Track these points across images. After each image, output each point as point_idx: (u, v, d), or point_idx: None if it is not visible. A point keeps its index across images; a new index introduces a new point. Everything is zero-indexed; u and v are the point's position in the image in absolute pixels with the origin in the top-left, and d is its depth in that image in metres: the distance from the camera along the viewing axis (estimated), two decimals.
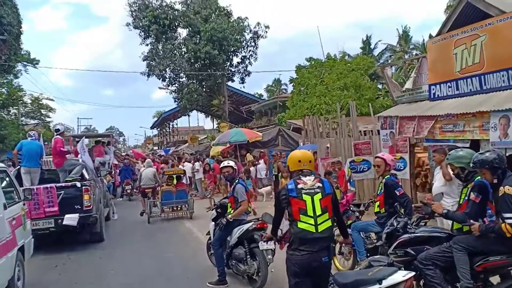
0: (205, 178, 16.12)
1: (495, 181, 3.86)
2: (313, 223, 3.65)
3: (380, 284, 3.44)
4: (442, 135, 8.18)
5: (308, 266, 3.63)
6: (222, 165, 6.64)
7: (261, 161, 16.86)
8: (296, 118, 20.98)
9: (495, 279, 4.01)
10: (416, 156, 10.57)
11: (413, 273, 3.56)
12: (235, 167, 6.56)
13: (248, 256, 6.09)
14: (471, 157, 4.12)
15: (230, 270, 6.37)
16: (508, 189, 3.67)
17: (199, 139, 34.69)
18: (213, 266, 6.65)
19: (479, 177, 4.06)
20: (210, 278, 6.32)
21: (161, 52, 30.62)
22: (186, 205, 12.44)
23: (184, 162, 18.11)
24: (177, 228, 11.18)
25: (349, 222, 6.30)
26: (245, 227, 6.14)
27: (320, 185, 3.79)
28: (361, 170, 11.36)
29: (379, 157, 5.82)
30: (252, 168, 15.84)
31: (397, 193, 5.34)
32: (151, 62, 30.88)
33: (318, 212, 3.68)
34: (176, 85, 32.51)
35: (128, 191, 17.75)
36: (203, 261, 7.30)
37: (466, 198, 4.17)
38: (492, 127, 6.98)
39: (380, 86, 25.81)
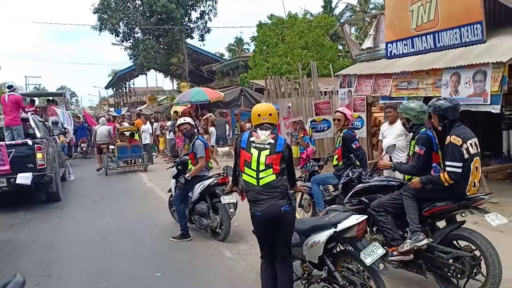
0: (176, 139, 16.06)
1: (440, 128, 4.10)
2: (255, 176, 3.70)
3: (336, 227, 3.64)
4: (397, 92, 8.47)
5: (269, 218, 3.63)
6: (178, 122, 6.64)
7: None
8: (258, 78, 20.94)
9: (441, 224, 4.30)
10: (373, 116, 10.93)
11: (365, 217, 3.76)
12: (193, 123, 6.57)
13: (210, 211, 6.25)
14: (420, 110, 4.30)
15: (193, 225, 6.52)
16: (454, 139, 3.90)
17: (159, 99, 34.03)
18: (176, 222, 6.75)
19: (424, 129, 4.26)
20: (173, 233, 6.45)
21: (113, 4, 29.23)
22: (141, 159, 13.63)
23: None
24: (138, 187, 11.19)
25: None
26: (207, 182, 6.25)
27: (272, 141, 3.76)
28: (321, 129, 11.74)
29: (340, 111, 5.99)
30: (212, 128, 15.81)
31: (354, 146, 5.63)
32: (102, 15, 29.46)
33: (262, 167, 3.70)
34: (131, 41, 31.34)
35: (84, 148, 18.08)
36: (166, 218, 7.40)
37: (414, 150, 4.35)
38: (444, 84, 7.29)
39: (340, 47, 26.05)
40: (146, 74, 39.71)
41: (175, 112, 17.08)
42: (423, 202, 4.16)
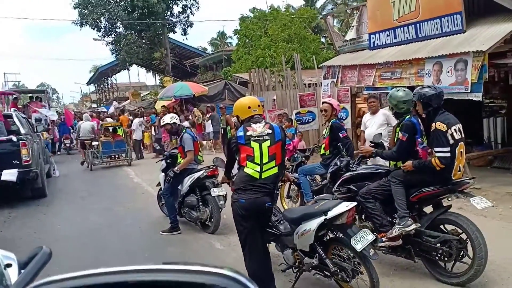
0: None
1: (424, 115, 4.16)
2: (258, 170, 3.67)
3: (326, 215, 3.65)
4: (381, 83, 8.54)
5: (253, 209, 3.70)
6: (162, 123, 6.56)
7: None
8: (242, 71, 20.89)
9: (428, 209, 4.37)
10: (357, 107, 11.00)
11: (355, 203, 3.79)
12: (173, 121, 6.43)
13: (200, 203, 6.22)
14: (400, 100, 4.35)
15: (183, 218, 6.48)
16: (439, 125, 3.96)
17: (142, 95, 33.66)
18: (166, 216, 6.71)
19: (408, 116, 4.32)
20: (162, 227, 6.39)
21: None
22: (124, 154, 13.90)
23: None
24: (125, 182, 11.09)
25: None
26: (196, 175, 6.22)
27: (270, 131, 3.76)
28: (306, 121, 11.80)
29: (326, 102, 6.04)
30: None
31: (341, 135, 5.66)
32: (83, 10, 28.97)
33: (265, 159, 3.69)
34: (113, 36, 30.91)
35: (67, 145, 18.22)
36: (155, 212, 7.34)
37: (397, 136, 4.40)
38: (426, 74, 7.38)
39: (323, 40, 26.13)
40: (128, 69, 39.23)
41: (163, 106, 16.89)
42: (411, 188, 4.21)
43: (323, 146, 5.95)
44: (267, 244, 4.11)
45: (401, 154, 4.28)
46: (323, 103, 6.19)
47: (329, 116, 5.92)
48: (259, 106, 3.97)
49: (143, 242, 6.04)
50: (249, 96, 4.54)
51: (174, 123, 6.45)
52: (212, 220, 6.10)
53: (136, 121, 16.18)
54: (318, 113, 11.85)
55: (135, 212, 7.77)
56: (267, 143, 3.71)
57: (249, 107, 3.90)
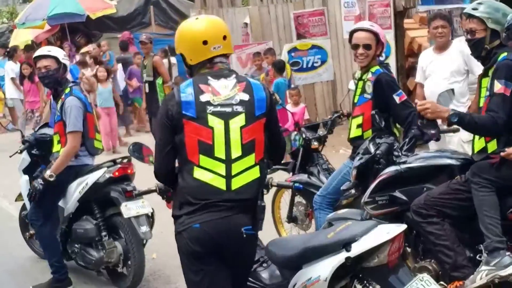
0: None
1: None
2: (223, 173, 3.61)
3: (348, 250, 3.64)
4: None
5: (217, 240, 3.62)
6: (36, 53, 6.42)
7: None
8: None
9: None
10: (408, 36, 10.98)
11: (404, 227, 3.77)
12: (64, 61, 6.32)
13: (103, 233, 6.15)
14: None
15: (73, 262, 6.46)
16: None
17: None
18: (40, 259, 6.79)
19: (506, 54, 4.28)
20: (35, 281, 6.41)
21: None
22: None
23: None
24: None
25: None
26: (91, 179, 6.15)
27: (246, 97, 3.69)
28: (309, 65, 11.66)
29: (365, 29, 5.54)
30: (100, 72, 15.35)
31: (397, 99, 5.33)
32: None
33: (236, 152, 3.63)
34: None
35: None
36: (18, 251, 7.37)
37: (488, 93, 4.36)
38: None
39: None
40: None
41: (28, 48, 16.68)
42: (509, 195, 4.25)
43: (359, 120, 5.59)
44: None
45: (507, 123, 4.23)
46: (355, 31, 5.62)
47: (371, 59, 5.54)
48: (225, 38, 3.79)
49: None
50: (206, 16, 4.13)
51: (64, 65, 6.32)
52: (129, 263, 6.05)
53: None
54: (333, 50, 11.79)
55: None
56: (240, 119, 3.66)
57: (204, 42, 3.72)
